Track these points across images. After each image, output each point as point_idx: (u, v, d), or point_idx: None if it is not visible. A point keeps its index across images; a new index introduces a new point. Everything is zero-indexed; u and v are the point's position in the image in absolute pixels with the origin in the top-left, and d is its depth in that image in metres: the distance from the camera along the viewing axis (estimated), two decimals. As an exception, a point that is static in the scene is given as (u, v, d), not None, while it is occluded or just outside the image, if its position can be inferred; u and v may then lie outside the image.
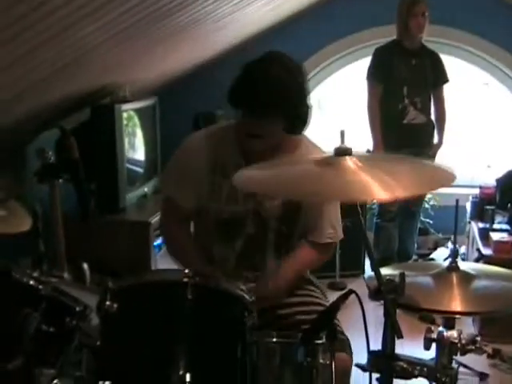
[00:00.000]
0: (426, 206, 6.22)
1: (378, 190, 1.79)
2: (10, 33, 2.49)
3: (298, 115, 2.57)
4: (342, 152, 1.90)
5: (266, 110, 2.48)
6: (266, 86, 2.46)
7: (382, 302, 1.90)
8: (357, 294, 2.02)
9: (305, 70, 2.65)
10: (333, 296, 2.50)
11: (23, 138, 2.16)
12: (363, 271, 5.73)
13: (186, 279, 1.94)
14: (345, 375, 2.46)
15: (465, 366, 3.67)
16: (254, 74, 2.52)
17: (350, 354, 2.54)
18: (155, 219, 4.57)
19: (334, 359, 2.10)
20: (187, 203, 2.74)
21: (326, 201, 2.60)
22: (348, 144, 1.97)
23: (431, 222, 6.35)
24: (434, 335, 2.01)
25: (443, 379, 1.95)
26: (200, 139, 2.76)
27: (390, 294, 1.89)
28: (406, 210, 5.63)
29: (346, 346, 2.52)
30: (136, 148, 5.07)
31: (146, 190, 5.11)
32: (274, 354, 2.11)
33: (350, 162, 1.88)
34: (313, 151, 2.68)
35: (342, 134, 1.95)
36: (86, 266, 3.83)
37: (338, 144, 1.95)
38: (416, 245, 5.93)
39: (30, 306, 1.98)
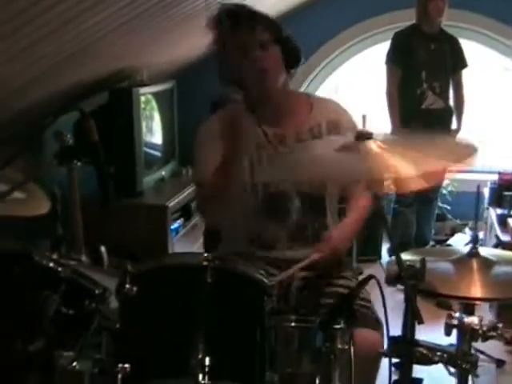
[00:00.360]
0: (444, 191, 6.18)
1: (406, 166, 1.82)
2: (27, 15, 2.49)
3: (282, 38, 2.59)
4: (364, 136, 1.90)
5: (251, 34, 2.52)
6: (238, 21, 2.52)
7: (400, 286, 1.89)
8: (377, 279, 2.01)
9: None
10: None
11: (41, 122, 2.17)
12: (380, 257, 5.72)
13: (205, 262, 1.93)
14: (374, 354, 2.42)
15: (482, 353, 3.66)
16: (223, 25, 2.57)
17: (381, 333, 2.50)
18: (172, 203, 4.58)
19: (353, 344, 2.10)
20: None
21: (353, 181, 2.58)
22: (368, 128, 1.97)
23: (449, 207, 6.32)
24: (455, 321, 2.00)
25: (464, 366, 1.94)
26: (215, 123, 2.70)
27: (410, 280, 1.87)
28: (423, 196, 5.60)
29: (375, 324, 2.49)
30: (154, 132, 5.07)
31: (163, 173, 5.12)
32: (293, 338, 2.10)
33: (372, 145, 1.88)
34: (325, 102, 2.74)
35: (364, 118, 1.95)
36: (103, 249, 3.84)
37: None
38: (433, 230, 5.91)
39: (50, 288, 1.98)
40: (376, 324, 2.49)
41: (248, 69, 2.56)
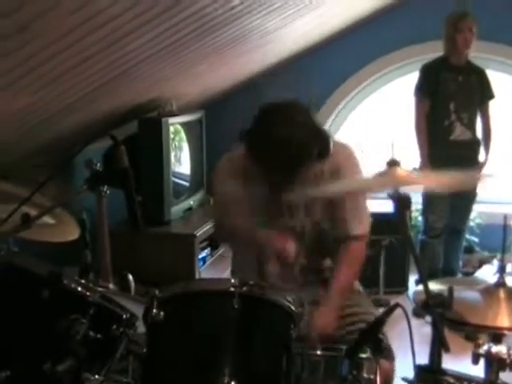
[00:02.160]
0: (472, 223, 6.15)
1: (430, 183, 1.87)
2: (63, 44, 2.54)
3: (319, 146, 2.55)
4: (393, 163, 1.92)
5: (295, 173, 2.54)
6: (282, 155, 2.46)
7: (427, 319, 1.88)
8: (403, 308, 2.01)
9: (310, 109, 2.59)
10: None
11: (71, 149, 2.20)
12: (407, 288, 5.68)
13: (232, 288, 1.95)
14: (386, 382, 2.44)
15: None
16: (265, 147, 2.49)
17: (393, 361, 2.52)
18: (200, 232, 4.60)
19: (382, 370, 2.10)
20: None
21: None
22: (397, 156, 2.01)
23: (476, 240, 6.28)
24: (483, 350, 1.99)
25: (491, 395, 1.92)
26: (227, 165, 2.80)
27: (437, 308, 1.87)
28: (451, 227, 5.57)
29: (388, 354, 2.49)
30: (182, 161, 5.11)
31: (191, 203, 5.14)
32: (318, 366, 2.11)
33: (400, 171, 1.91)
34: (339, 149, 2.70)
35: (392, 145, 1.97)
36: (131, 277, 3.86)
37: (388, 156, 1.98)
38: (461, 262, 5.87)
39: (78, 311, 2.00)
40: (388, 354, 2.49)
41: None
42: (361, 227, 2.73)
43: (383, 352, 2.12)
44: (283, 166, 2.49)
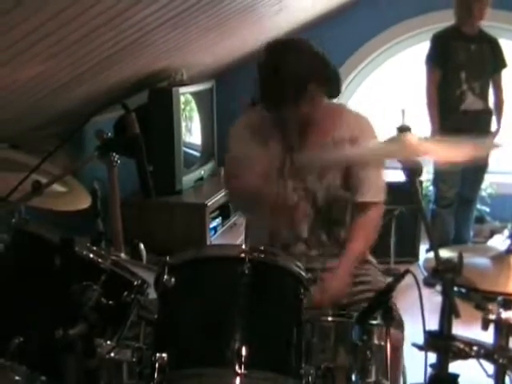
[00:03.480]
0: (483, 193, 6.14)
1: (441, 150, 1.93)
2: (71, 13, 2.53)
3: (327, 75, 2.62)
4: (404, 129, 1.92)
5: (300, 94, 2.53)
6: (284, 78, 2.49)
7: (437, 288, 1.89)
8: (413, 273, 2.02)
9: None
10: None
11: (81, 119, 2.21)
12: (418, 258, 5.69)
13: (243, 254, 1.96)
14: (395, 351, 2.45)
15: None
16: (270, 76, 2.53)
17: (402, 331, 2.53)
18: (211, 202, 4.61)
19: (391, 338, 2.11)
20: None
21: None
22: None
23: (488, 209, 6.27)
24: (493, 316, 1.99)
25: (501, 361, 1.93)
26: (246, 120, 2.84)
27: (447, 274, 1.87)
28: (462, 197, 5.57)
29: (398, 323, 2.50)
30: (193, 131, 5.11)
31: (202, 173, 5.15)
32: (329, 332, 2.12)
33: (411, 137, 1.91)
34: (356, 118, 2.77)
35: (403, 112, 1.97)
36: (142, 246, 3.89)
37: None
38: (472, 232, 5.87)
39: (90, 278, 2.01)
40: (398, 323, 2.50)
41: (290, 114, 2.62)
42: (377, 195, 2.74)
43: (393, 320, 2.14)
44: (291, 89, 2.51)
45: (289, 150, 2.70)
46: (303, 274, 2.06)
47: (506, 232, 6.01)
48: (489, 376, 2.07)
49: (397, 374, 2.48)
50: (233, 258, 1.99)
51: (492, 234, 6.15)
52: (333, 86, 2.67)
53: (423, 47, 5.56)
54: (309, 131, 2.71)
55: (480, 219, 6.17)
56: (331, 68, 2.64)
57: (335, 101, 2.83)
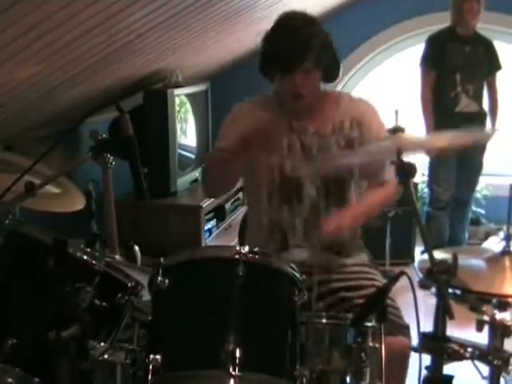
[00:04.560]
0: (478, 195, 6.14)
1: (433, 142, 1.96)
2: (65, 14, 2.53)
3: (328, 59, 2.63)
4: (397, 130, 1.92)
5: (296, 61, 2.54)
6: (289, 40, 2.54)
7: (432, 291, 1.88)
8: (407, 275, 2.01)
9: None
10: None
11: (76, 121, 2.20)
12: (413, 260, 5.69)
13: (237, 256, 1.95)
14: (403, 359, 2.45)
15: None
16: (277, 34, 2.60)
17: (409, 337, 2.52)
18: (206, 203, 4.59)
19: (384, 342, 2.10)
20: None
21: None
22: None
23: (483, 212, 6.28)
24: (487, 317, 1.99)
25: (495, 362, 1.92)
26: (245, 105, 2.82)
27: (442, 275, 1.86)
28: (457, 199, 5.57)
29: (404, 330, 2.50)
30: (188, 133, 5.10)
31: (197, 175, 5.13)
32: (324, 335, 2.11)
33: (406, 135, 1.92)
34: (356, 101, 2.80)
35: (397, 113, 1.96)
36: (137, 248, 3.88)
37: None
38: (467, 234, 5.87)
39: (84, 280, 2.01)
40: (405, 330, 2.51)
41: (286, 88, 2.64)
42: (389, 174, 2.67)
43: (396, 323, 2.13)
44: (288, 58, 2.54)
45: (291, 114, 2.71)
46: (297, 275, 2.05)
47: (501, 234, 6.01)
48: (483, 378, 2.07)
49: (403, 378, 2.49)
50: (227, 259, 1.98)
51: (487, 235, 6.16)
52: (330, 69, 2.68)
53: (420, 49, 5.56)
54: (307, 117, 2.71)
55: (475, 221, 6.17)
56: (333, 52, 2.66)
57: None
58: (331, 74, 2.71)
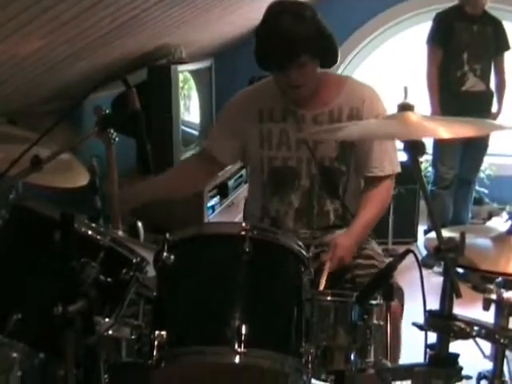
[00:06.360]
0: (482, 175, 6.13)
1: (442, 129, 1.92)
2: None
3: (323, 47, 2.59)
4: (406, 107, 1.90)
5: (289, 58, 2.50)
6: (279, 39, 2.48)
7: (435, 269, 1.86)
8: (414, 252, 2.01)
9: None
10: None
11: (80, 96, 2.19)
12: (416, 239, 5.69)
13: (243, 232, 1.94)
14: (395, 324, 2.44)
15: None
16: (266, 33, 2.55)
17: (402, 303, 2.53)
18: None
19: (389, 319, 2.10)
20: (223, 157, 2.85)
21: (394, 139, 2.65)
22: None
23: (486, 191, 6.27)
24: (494, 296, 1.98)
25: (502, 341, 1.92)
26: (244, 93, 2.87)
27: (450, 253, 1.85)
28: (461, 178, 5.56)
29: (398, 295, 2.49)
30: (191, 110, 5.07)
31: (200, 151, 5.10)
32: (329, 312, 2.11)
33: (413, 116, 1.89)
34: (358, 88, 2.77)
35: (406, 90, 1.95)
36: (140, 224, 3.86)
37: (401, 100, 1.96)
38: (470, 214, 5.86)
39: (89, 255, 2.00)
40: (399, 295, 2.51)
41: (282, 81, 2.63)
42: (386, 168, 2.73)
43: (394, 294, 2.13)
44: (283, 55, 2.51)
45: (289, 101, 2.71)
46: (304, 252, 2.05)
47: (504, 214, 6.01)
48: (485, 357, 2.06)
49: (396, 350, 2.48)
50: (233, 235, 1.97)
51: (490, 215, 6.16)
52: (328, 55, 2.65)
53: (426, 27, 5.52)
54: (306, 102, 2.70)
55: (478, 201, 6.17)
56: (328, 38, 2.61)
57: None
58: (328, 60, 2.67)
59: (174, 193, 3.10)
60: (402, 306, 2.54)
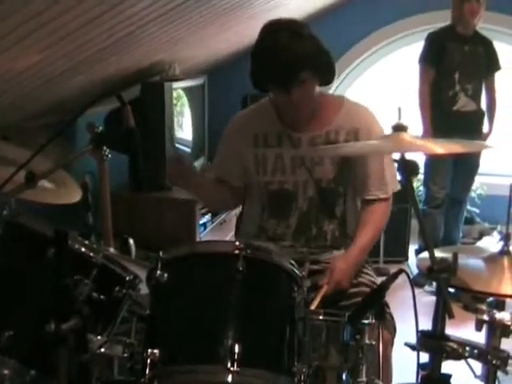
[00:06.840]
0: (473, 194, 6.15)
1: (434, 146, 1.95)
2: (66, 4, 2.51)
3: (322, 63, 2.58)
4: (400, 128, 1.91)
5: (292, 75, 2.48)
6: (279, 56, 2.46)
7: (426, 289, 1.86)
8: (406, 272, 2.02)
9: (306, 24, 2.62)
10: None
11: (73, 112, 2.19)
12: (407, 258, 5.70)
13: (237, 251, 1.94)
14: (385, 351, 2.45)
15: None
16: (264, 52, 2.52)
17: (393, 332, 2.54)
18: (201, 198, 4.57)
19: (382, 339, 2.10)
20: (235, 180, 2.83)
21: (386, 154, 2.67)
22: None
23: (477, 211, 6.28)
24: (486, 317, 1.99)
25: (494, 361, 1.92)
26: (239, 117, 2.86)
27: (443, 273, 1.86)
28: (452, 198, 5.57)
29: (388, 324, 2.50)
30: (184, 127, 5.08)
31: (192, 169, 5.11)
32: (321, 331, 2.11)
33: (406, 136, 1.91)
34: (356, 109, 2.76)
35: (399, 110, 1.96)
36: (131, 241, 3.86)
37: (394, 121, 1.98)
38: (461, 233, 5.88)
39: (82, 272, 2.00)
40: (391, 327, 2.53)
41: (281, 101, 2.62)
42: (384, 190, 2.74)
43: (386, 321, 2.13)
44: (282, 75, 2.48)
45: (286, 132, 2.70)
46: (297, 271, 2.05)
47: (495, 233, 6.02)
48: (476, 377, 2.06)
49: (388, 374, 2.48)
50: (227, 254, 1.97)
51: (481, 235, 6.17)
52: (327, 72, 2.64)
53: (418, 46, 5.55)
54: (302, 123, 2.69)
55: (469, 220, 6.18)
56: (326, 55, 2.60)
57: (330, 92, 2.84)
58: (327, 77, 2.66)
59: (208, 201, 3.10)
60: (393, 334, 2.56)
